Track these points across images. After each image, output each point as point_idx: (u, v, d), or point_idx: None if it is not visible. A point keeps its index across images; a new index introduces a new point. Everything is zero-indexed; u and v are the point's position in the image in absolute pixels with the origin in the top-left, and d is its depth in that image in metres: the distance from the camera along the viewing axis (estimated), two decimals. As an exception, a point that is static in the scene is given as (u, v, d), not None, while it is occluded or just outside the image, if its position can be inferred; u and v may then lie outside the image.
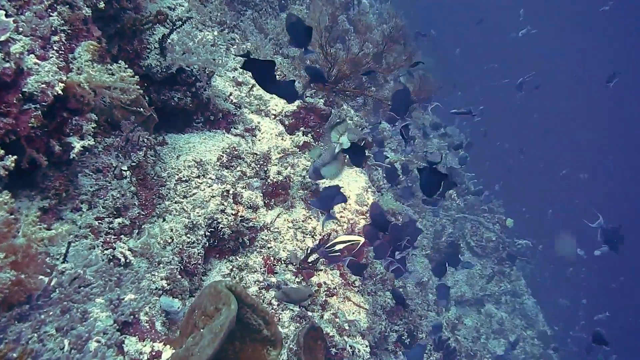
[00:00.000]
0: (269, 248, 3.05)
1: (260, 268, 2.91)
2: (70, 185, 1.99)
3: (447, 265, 4.41)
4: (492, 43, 28.04)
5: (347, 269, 3.12)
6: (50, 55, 1.79)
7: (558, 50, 32.10)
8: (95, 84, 1.90)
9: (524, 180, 22.73)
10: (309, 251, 3.12)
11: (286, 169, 3.36)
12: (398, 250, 3.07)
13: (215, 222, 2.66)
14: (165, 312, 2.11)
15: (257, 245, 3.02)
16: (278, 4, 5.71)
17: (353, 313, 3.36)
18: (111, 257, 1.99)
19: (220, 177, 2.84)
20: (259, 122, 3.64)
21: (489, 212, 9.28)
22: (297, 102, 4.13)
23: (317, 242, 3.26)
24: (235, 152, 3.04)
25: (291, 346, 2.57)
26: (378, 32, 5.54)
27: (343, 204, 3.80)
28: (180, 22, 2.71)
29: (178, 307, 2.12)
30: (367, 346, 3.18)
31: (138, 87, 2.07)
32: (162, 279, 2.17)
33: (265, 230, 3.13)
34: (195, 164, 2.78)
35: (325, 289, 3.20)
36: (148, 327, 1.77)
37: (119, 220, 2.11)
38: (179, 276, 2.29)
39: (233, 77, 3.91)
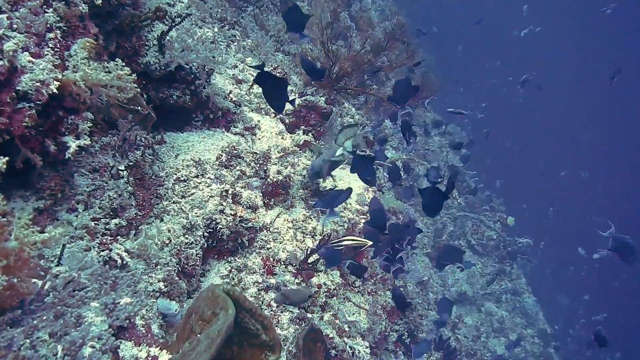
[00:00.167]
0: (268, 249, 3.01)
1: (260, 269, 2.87)
2: (66, 185, 1.95)
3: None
4: (493, 41, 27.97)
5: (347, 269, 3.09)
6: (46, 52, 1.75)
7: (559, 50, 32.04)
8: (91, 82, 1.86)
9: (525, 179, 22.73)
10: (308, 252, 3.09)
11: (286, 168, 3.32)
12: (395, 250, 3.05)
13: (213, 222, 2.63)
14: (163, 315, 2.08)
15: (256, 246, 2.98)
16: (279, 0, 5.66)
17: (353, 314, 3.33)
18: (107, 259, 1.96)
19: (219, 176, 2.80)
20: (259, 121, 3.60)
21: (490, 211, 9.26)
22: (298, 100, 4.09)
23: (317, 242, 3.23)
24: (235, 151, 3.00)
25: (290, 348, 2.54)
26: (380, 29, 5.49)
27: (344, 203, 3.77)
28: (179, 19, 2.67)
29: (175, 310, 2.09)
30: (367, 347, 3.15)
31: (135, 85, 2.03)
32: (159, 281, 2.13)
33: (265, 231, 3.09)
34: (194, 164, 2.74)
35: (326, 290, 3.17)
36: (144, 331, 1.73)
37: (116, 220, 2.07)
38: (177, 278, 2.25)
39: (233, 74, 3.87)
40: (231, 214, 2.71)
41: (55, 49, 1.79)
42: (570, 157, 25.90)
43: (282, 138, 3.63)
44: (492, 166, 16.57)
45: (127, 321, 1.67)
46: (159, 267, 2.21)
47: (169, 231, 2.39)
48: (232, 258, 2.84)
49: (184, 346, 1.56)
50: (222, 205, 2.68)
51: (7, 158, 1.50)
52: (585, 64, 31.10)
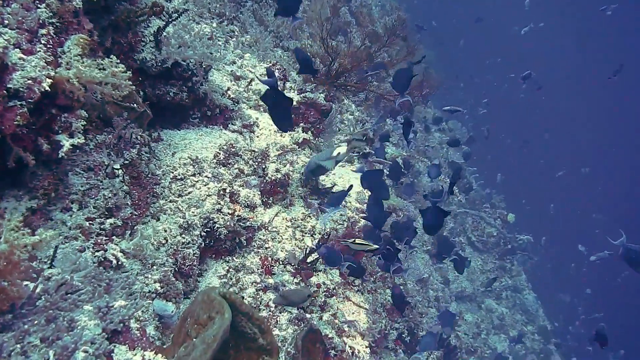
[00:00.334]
0: (266, 248, 2.97)
1: (258, 269, 2.84)
2: (59, 184, 1.91)
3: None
4: (493, 38, 27.88)
5: (346, 271, 3.06)
6: (38, 49, 1.71)
7: (558, 48, 31.95)
8: (85, 79, 1.82)
9: (525, 175, 22.69)
10: (308, 251, 3.05)
11: (285, 166, 3.27)
12: (393, 248, 3.04)
13: (211, 221, 2.59)
14: (159, 316, 2.04)
15: (254, 245, 2.95)
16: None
17: (353, 313, 3.29)
18: (102, 259, 1.92)
19: (217, 175, 2.76)
20: (257, 118, 3.55)
21: (491, 207, 9.23)
22: (297, 97, 4.04)
23: (317, 241, 3.19)
24: (233, 149, 2.96)
25: (289, 350, 2.51)
26: (380, 25, 5.44)
27: (343, 202, 3.74)
28: (176, 14, 2.62)
29: (172, 311, 2.05)
30: (366, 347, 3.12)
31: (131, 82, 1.99)
32: (155, 282, 2.10)
33: (263, 230, 3.05)
34: (191, 162, 2.70)
35: (325, 289, 3.14)
36: (139, 334, 1.70)
37: (111, 220, 2.03)
38: (173, 278, 2.22)
39: (231, 71, 3.82)
40: (229, 213, 2.67)
41: (48, 46, 1.74)
42: (570, 156, 25.87)
43: (281, 136, 3.58)
44: (493, 163, 16.52)
45: (122, 324, 1.63)
46: (155, 267, 2.17)
47: (166, 231, 2.35)
48: (230, 258, 2.80)
49: (180, 350, 1.53)
50: (219, 204, 2.64)
51: (-3, 158, 1.46)
52: (585, 64, 31.02)
